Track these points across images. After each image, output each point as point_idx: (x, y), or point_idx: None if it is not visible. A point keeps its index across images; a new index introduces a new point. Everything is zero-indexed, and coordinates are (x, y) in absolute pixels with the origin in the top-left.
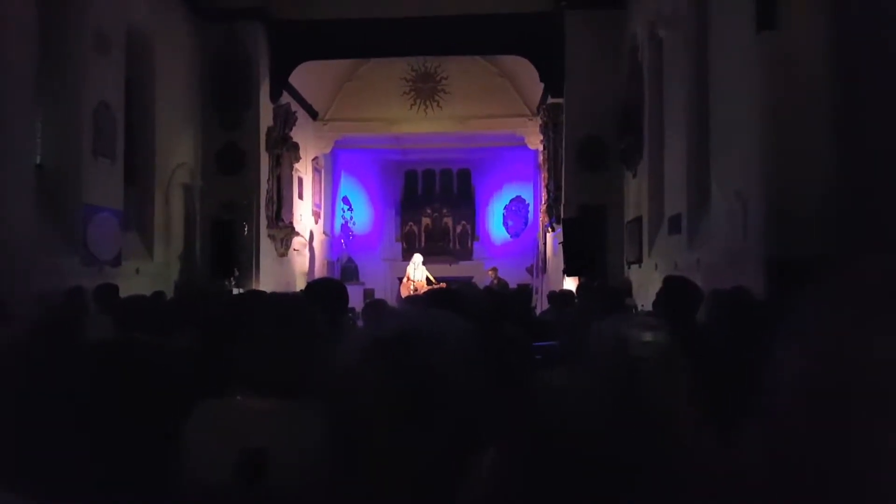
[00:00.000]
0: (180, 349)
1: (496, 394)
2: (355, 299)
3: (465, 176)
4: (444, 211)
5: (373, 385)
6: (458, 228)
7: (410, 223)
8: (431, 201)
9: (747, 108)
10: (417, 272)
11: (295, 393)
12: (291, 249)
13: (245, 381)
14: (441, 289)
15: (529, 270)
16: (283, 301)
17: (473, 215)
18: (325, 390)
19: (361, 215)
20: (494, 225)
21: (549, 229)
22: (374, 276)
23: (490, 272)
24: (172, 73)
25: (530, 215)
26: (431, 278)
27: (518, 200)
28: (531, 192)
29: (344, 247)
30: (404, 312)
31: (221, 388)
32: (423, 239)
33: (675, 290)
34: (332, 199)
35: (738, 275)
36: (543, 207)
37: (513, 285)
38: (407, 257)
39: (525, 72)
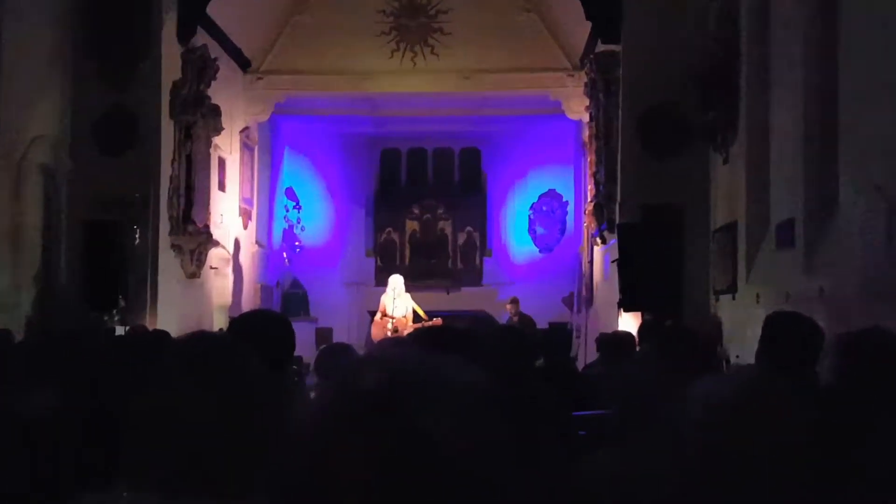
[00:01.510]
0: (34, 418)
1: (520, 483)
2: (304, 343)
3: (471, 158)
4: (440, 211)
5: (344, 471)
6: (461, 238)
7: (388, 229)
8: (421, 196)
9: None
10: (398, 304)
11: (219, 488)
12: (207, 267)
13: (136, 469)
14: (437, 327)
15: (567, 303)
16: (196, 347)
17: (484, 218)
18: (269, 483)
19: (314, 217)
20: (516, 233)
21: (598, 240)
22: (331, 309)
23: (508, 305)
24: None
25: (570, 220)
26: (420, 312)
27: (551, 196)
28: (571, 185)
29: (287, 264)
30: (385, 358)
31: (99, 478)
32: (407, 253)
33: (786, 334)
34: (270, 191)
35: (878, 310)
36: (590, 208)
37: (542, 325)
38: (382, 281)
39: (564, 4)
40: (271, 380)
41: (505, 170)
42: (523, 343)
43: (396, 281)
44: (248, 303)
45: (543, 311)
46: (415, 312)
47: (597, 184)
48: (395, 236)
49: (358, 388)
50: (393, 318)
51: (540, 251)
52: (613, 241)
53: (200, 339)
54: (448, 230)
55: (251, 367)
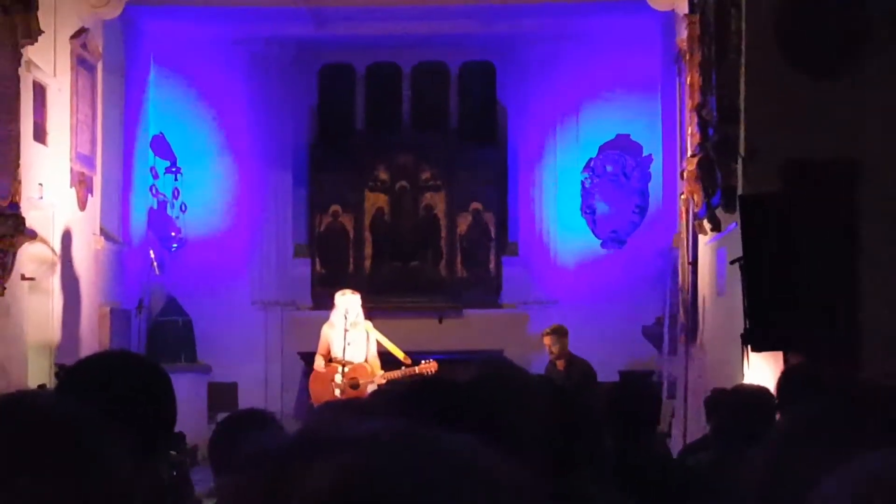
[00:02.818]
0: None
1: None
2: (189, 411)
3: (479, 82)
4: (426, 175)
5: None
6: (463, 222)
7: (334, 208)
8: (391, 149)
9: None
10: (353, 339)
11: None
12: (15, 277)
13: None
14: (427, 379)
15: (653, 336)
16: (14, 416)
17: (502, 187)
18: None
19: (203, 188)
20: (559, 213)
21: (706, 225)
22: (235, 351)
23: (547, 340)
24: None
25: (654, 189)
26: (394, 351)
27: (621, 147)
28: (656, 128)
29: (157, 272)
30: (340, 440)
31: None
32: (367, 250)
33: None
34: (125, 143)
35: None
36: (691, 167)
37: (608, 375)
38: (325, 301)
39: None
40: (133, 478)
41: (539, 102)
42: (575, 410)
43: (349, 301)
44: (89, 338)
45: (610, 350)
46: (382, 353)
47: (703, 125)
48: (345, 220)
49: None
50: (345, 363)
51: (603, 244)
52: (734, 225)
53: (7, 406)
54: (440, 208)
55: (99, 457)
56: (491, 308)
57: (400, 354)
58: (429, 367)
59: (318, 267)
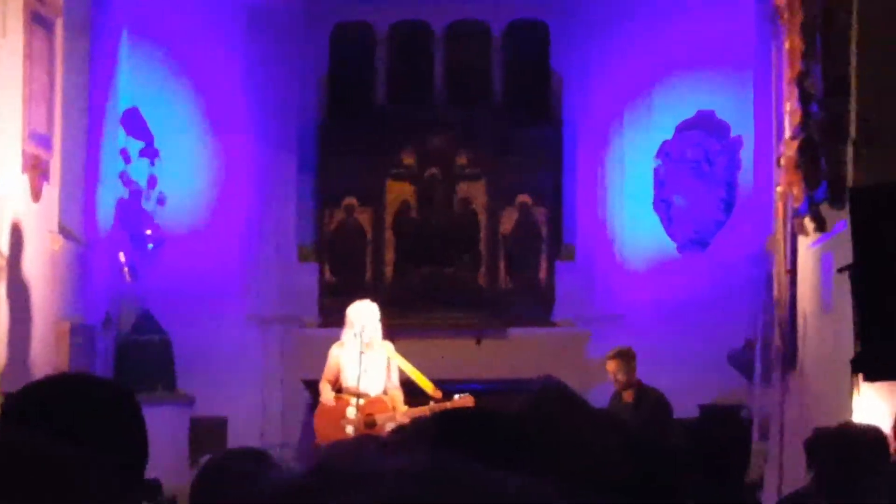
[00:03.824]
0: None
1: None
2: (165, 449)
3: (529, 46)
4: (462, 160)
5: None
6: (508, 218)
7: (348, 201)
8: (418, 127)
9: None
10: (370, 365)
11: None
12: None
13: None
14: (463, 412)
15: (739, 361)
16: None
17: (556, 175)
18: None
19: (185, 175)
20: (626, 208)
21: (809, 225)
22: (224, 378)
23: (610, 364)
24: None
25: (744, 179)
26: (420, 380)
27: (703, 127)
28: (747, 105)
29: (128, 278)
30: (364, 481)
31: None
32: (388, 254)
33: None
34: (89, 119)
35: None
36: (790, 152)
37: (686, 410)
38: (336, 317)
39: None
40: None
41: (602, 71)
42: (645, 454)
43: (366, 316)
44: (42, 361)
45: (688, 379)
46: (406, 382)
47: (805, 100)
48: (362, 216)
49: None
50: (359, 394)
51: (680, 248)
52: (842, 225)
53: None
54: (479, 202)
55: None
56: (542, 326)
57: (428, 386)
58: (464, 401)
59: (327, 274)
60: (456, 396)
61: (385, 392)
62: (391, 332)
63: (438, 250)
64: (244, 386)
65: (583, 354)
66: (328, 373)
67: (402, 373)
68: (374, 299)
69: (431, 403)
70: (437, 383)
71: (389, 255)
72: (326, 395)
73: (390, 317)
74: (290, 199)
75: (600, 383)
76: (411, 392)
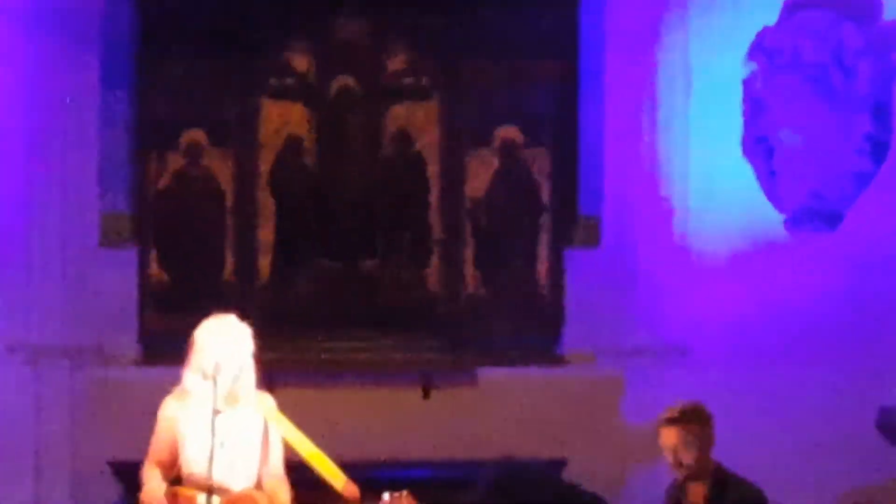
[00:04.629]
0: None
1: None
2: None
3: None
4: (395, 62)
5: None
6: (482, 171)
7: (193, 136)
8: (317, 10)
9: None
10: (230, 431)
11: None
12: None
13: None
14: None
15: (894, 427)
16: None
17: (570, 92)
18: None
19: None
20: (695, 150)
21: None
22: None
23: (668, 434)
24: None
25: None
26: (325, 467)
27: (832, 3)
28: None
29: None
30: None
31: None
32: (267, 231)
33: None
34: None
35: None
36: None
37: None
38: (165, 347)
39: None
40: None
41: None
42: None
43: (225, 345)
44: None
45: (806, 460)
46: (295, 467)
47: None
48: (216, 164)
49: None
50: (214, 490)
51: (789, 223)
52: None
53: None
54: (428, 137)
55: None
56: (539, 363)
57: (336, 477)
58: (404, 496)
59: (153, 268)
60: (385, 496)
61: (257, 486)
62: (270, 375)
63: (354, 227)
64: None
65: (612, 414)
66: (156, 449)
67: (288, 450)
68: (241, 315)
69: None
70: (351, 470)
71: (266, 234)
72: (152, 490)
73: (269, 347)
74: (88, 139)
75: (647, 467)
76: (305, 484)
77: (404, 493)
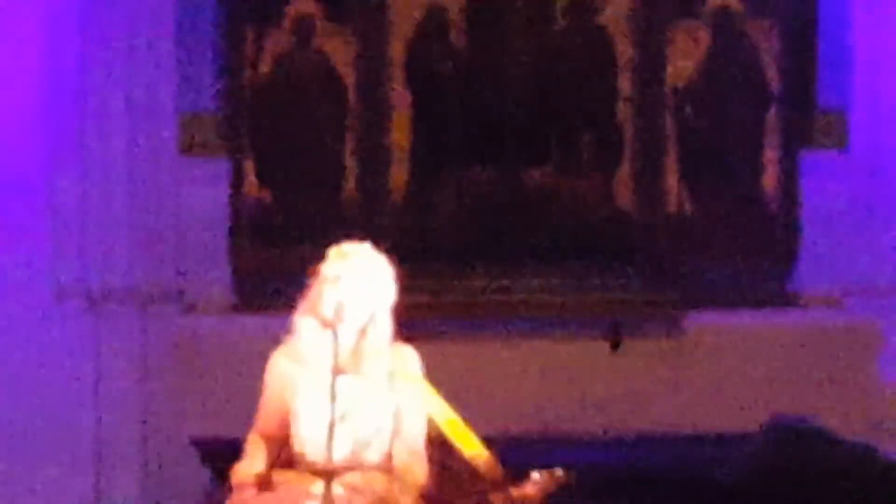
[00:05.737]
0: None
1: None
2: None
3: None
4: None
5: None
6: (687, 48)
7: (301, 9)
8: None
9: None
10: (357, 397)
11: None
12: None
13: None
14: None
15: None
16: None
17: None
18: None
19: None
20: None
21: None
22: (11, 429)
23: None
24: None
25: None
26: (467, 441)
27: None
28: None
29: None
30: None
31: None
32: (403, 139)
33: None
34: None
35: None
36: None
37: None
38: (268, 288)
39: None
40: None
41: None
42: None
43: (353, 281)
44: None
45: None
46: (435, 441)
47: None
48: (332, 44)
49: None
50: (332, 470)
51: None
52: None
53: None
54: (619, 10)
55: None
56: (768, 306)
57: (477, 449)
58: (545, 482)
59: (249, 183)
60: (534, 475)
61: (388, 468)
62: (406, 323)
63: (516, 127)
64: (51, 449)
65: (864, 371)
66: (263, 417)
67: (431, 423)
68: (375, 242)
69: (491, 492)
70: (505, 444)
71: (399, 137)
72: (243, 469)
73: (405, 286)
74: (160, 8)
75: None
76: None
77: (558, 471)
